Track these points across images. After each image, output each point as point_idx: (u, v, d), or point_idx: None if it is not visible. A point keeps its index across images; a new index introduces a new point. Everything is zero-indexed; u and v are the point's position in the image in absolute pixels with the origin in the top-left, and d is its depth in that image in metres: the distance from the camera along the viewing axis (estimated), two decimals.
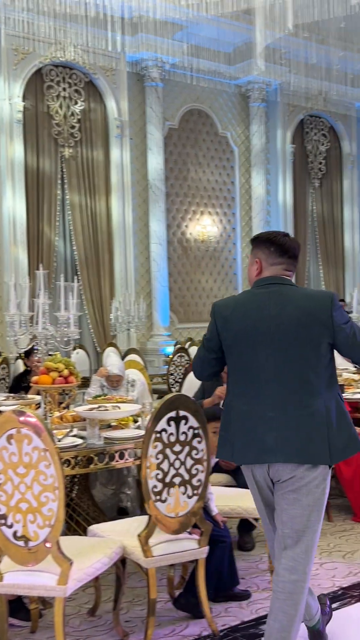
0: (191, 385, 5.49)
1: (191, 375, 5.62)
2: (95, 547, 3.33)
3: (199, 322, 12.13)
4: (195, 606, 3.55)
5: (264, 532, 3.19)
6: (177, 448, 3.34)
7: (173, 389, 8.48)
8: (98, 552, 3.27)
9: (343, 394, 4.89)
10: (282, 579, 2.78)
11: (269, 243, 2.93)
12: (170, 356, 8.91)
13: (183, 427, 3.34)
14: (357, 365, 2.99)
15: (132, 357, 7.65)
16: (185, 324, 12.09)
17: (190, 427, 3.36)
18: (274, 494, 2.88)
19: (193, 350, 9.24)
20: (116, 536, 3.50)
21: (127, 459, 4.08)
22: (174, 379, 8.66)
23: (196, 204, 12.22)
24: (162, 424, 3.29)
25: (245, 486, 4.33)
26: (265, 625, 2.88)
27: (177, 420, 3.32)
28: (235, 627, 3.52)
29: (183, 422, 3.34)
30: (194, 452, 3.39)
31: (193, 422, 3.37)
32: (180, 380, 7.87)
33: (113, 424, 4.58)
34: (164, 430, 3.30)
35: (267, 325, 2.81)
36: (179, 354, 8.81)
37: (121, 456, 4.05)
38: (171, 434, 3.32)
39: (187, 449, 3.36)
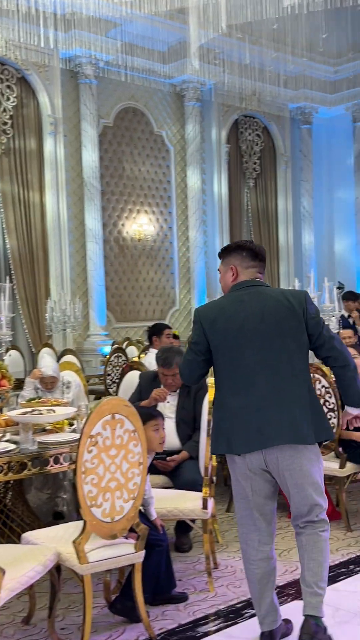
0: (128, 385, 5.44)
1: (129, 375, 5.59)
2: (29, 555, 3.26)
3: (137, 322, 12.10)
4: (132, 610, 3.52)
5: (238, 521, 3.33)
6: (113, 452, 3.31)
7: (110, 390, 8.42)
8: (32, 560, 3.20)
9: None
10: (311, 530, 3.16)
11: (241, 249, 3.25)
12: (107, 356, 8.83)
13: (119, 431, 3.30)
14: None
15: (68, 357, 7.54)
16: (123, 323, 12.02)
17: (126, 430, 3.33)
18: (279, 480, 3.16)
19: (130, 350, 9.18)
20: (51, 543, 3.44)
21: (62, 464, 4.01)
22: (111, 380, 8.59)
23: (132, 202, 12.16)
24: (97, 427, 3.25)
25: (182, 487, 4.35)
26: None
27: (112, 423, 3.28)
28: (172, 631, 3.50)
29: (119, 425, 3.30)
30: (130, 455, 3.36)
31: (129, 425, 3.34)
32: (117, 380, 7.82)
33: (48, 427, 4.50)
34: (100, 434, 3.26)
35: (251, 322, 3.10)
36: (116, 354, 8.74)
37: (56, 461, 3.98)
38: (107, 437, 3.27)
39: (123, 452, 3.33)
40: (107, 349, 10.03)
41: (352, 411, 3.29)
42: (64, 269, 10.93)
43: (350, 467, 4.89)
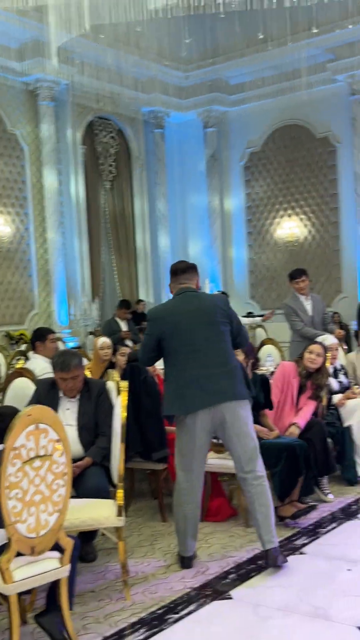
0: (17, 393, 5.20)
1: (17, 382, 5.34)
2: None
3: None
4: (57, 625, 3.36)
5: (180, 475, 4.27)
6: (37, 464, 3.15)
7: None
8: None
9: None
10: (256, 482, 4.18)
11: (171, 272, 4.49)
12: None
13: (43, 441, 3.15)
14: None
15: None
16: None
17: (51, 440, 3.18)
18: (224, 434, 4.21)
19: None
20: None
21: None
22: None
23: None
24: (21, 439, 3.08)
25: (86, 494, 4.23)
26: None
27: (36, 434, 3.12)
28: None
29: (43, 435, 3.15)
30: (55, 466, 3.21)
31: (53, 434, 3.19)
32: None
33: None
34: (23, 445, 3.09)
35: (192, 315, 4.23)
36: None
37: None
38: (31, 449, 3.11)
39: (47, 463, 3.18)
40: None
41: None
42: None
43: None
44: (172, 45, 12.59)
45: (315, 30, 11.34)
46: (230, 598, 3.82)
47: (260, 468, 4.23)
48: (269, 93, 14.00)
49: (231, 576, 4.11)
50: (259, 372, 5.63)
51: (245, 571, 4.17)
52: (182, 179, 15.74)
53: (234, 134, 15.26)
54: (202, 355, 4.15)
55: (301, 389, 5.62)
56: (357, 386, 6.35)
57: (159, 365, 7.40)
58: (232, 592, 3.88)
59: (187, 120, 15.37)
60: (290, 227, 14.59)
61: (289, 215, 14.66)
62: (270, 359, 7.20)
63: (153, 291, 14.73)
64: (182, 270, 4.46)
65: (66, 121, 12.94)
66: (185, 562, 4.31)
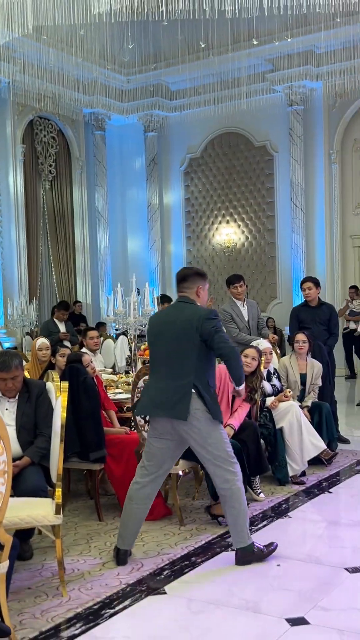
0: None
1: None
2: None
3: None
4: None
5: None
6: None
7: None
8: None
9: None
10: (222, 486, 4.29)
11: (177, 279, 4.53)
12: None
13: None
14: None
15: None
16: None
17: None
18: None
19: None
20: None
21: None
22: None
23: None
24: None
25: (24, 493, 4.29)
26: None
27: None
28: (35, 639, 3.46)
29: None
30: None
31: None
32: None
33: None
34: None
35: (168, 328, 4.33)
36: None
37: None
38: None
39: None
40: None
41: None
42: None
43: (183, 463, 5.13)
44: (114, 49, 12.71)
45: (255, 42, 11.58)
46: (165, 593, 3.94)
47: (223, 476, 4.27)
48: (209, 100, 14.23)
49: (165, 572, 4.23)
50: None
51: (179, 567, 4.29)
52: (123, 181, 15.85)
53: (174, 139, 15.44)
54: (163, 367, 4.30)
55: None
56: (289, 389, 6.55)
57: (99, 366, 7.47)
58: (166, 587, 4.00)
59: (128, 123, 15.49)
60: (228, 233, 14.85)
61: (227, 222, 14.93)
62: None
63: (91, 290, 14.77)
64: (181, 278, 4.46)
65: (6, 119, 12.87)
66: (119, 554, 4.46)
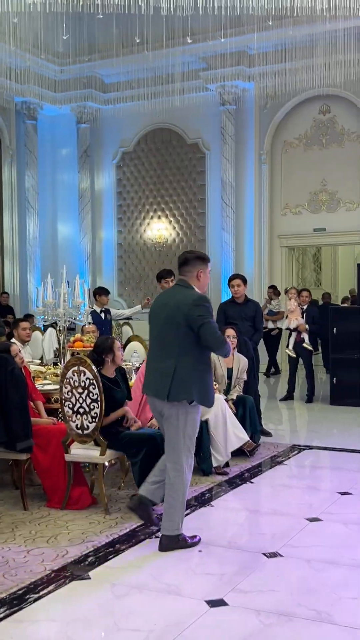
0: None
1: None
2: None
3: None
4: None
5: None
6: None
7: None
8: None
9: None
10: (169, 474, 4.44)
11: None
12: None
13: None
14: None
15: None
16: None
17: None
18: None
19: None
20: None
21: None
22: None
23: None
24: None
25: None
26: None
27: None
28: None
29: None
30: None
31: None
32: None
33: None
34: None
35: (160, 310, 4.54)
36: None
37: None
38: None
39: None
40: None
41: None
42: None
43: (109, 453, 5.20)
44: (48, 38, 12.59)
45: (189, 40, 11.70)
46: (89, 578, 4.01)
47: (172, 465, 4.42)
48: (143, 95, 14.26)
49: (90, 559, 4.30)
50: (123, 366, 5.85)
51: (103, 554, 4.37)
52: (53, 171, 15.74)
53: (107, 132, 15.44)
54: (154, 348, 4.54)
55: None
56: (215, 383, 6.71)
57: (27, 358, 7.45)
58: (91, 573, 4.08)
59: (60, 114, 15.39)
60: (159, 229, 14.96)
61: (159, 217, 15.02)
62: (136, 355, 7.44)
63: (19, 279, 14.62)
64: (182, 261, 4.59)
65: None
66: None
